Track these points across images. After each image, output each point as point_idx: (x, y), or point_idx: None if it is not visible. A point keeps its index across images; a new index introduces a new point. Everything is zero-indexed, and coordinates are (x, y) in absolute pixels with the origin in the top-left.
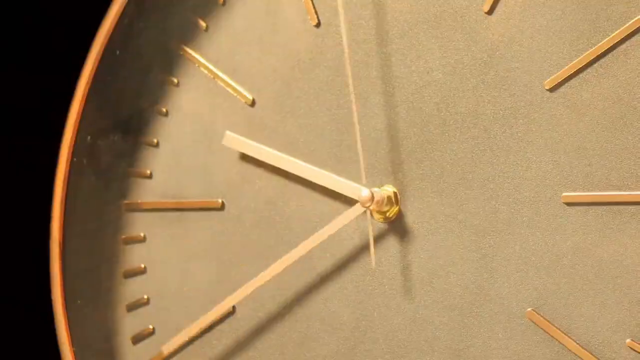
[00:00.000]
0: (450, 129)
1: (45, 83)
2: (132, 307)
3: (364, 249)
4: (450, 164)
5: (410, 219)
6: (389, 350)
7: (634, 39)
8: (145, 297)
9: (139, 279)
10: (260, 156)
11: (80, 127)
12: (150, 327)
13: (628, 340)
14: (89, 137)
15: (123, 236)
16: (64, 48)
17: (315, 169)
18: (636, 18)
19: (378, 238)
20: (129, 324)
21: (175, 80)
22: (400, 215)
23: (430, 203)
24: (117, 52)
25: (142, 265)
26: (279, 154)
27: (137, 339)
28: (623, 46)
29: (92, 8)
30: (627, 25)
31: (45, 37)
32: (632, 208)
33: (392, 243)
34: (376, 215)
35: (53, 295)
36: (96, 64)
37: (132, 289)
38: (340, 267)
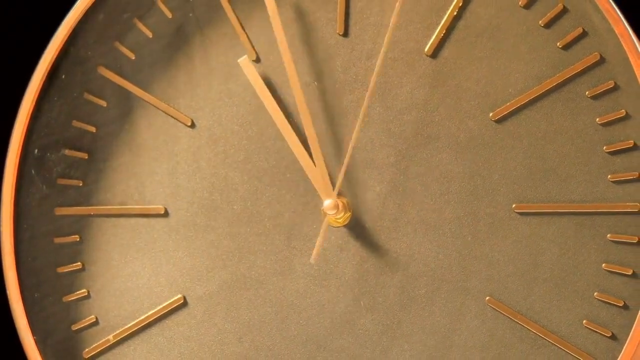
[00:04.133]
0: (402, 151)
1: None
2: (73, 300)
3: (314, 242)
4: (404, 180)
5: (367, 223)
6: (349, 339)
7: (570, 84)
8: (85, 291)
9: (78, 276)
10: (262, 97)
11: (26, 142)
12: (93, 317)
13: (584, 321)
14: (36, 150)
15: (59, 239)
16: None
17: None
18: (571, 67)
19: (331, 237)
20: (71, 316)
21: (105, 104)
22: (353, 221)
23: (384, 210)
24: (63, 77)
25: (80, 264)
26: (278, 108)
27: (80, 329)
28: (566, 87)
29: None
30: (562, 71)
31: None
32: (582, 218)
33: (347, 243)
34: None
35: (9, 291)
36: (40, 87)
37: (72, 284)
38: (294, 260)
